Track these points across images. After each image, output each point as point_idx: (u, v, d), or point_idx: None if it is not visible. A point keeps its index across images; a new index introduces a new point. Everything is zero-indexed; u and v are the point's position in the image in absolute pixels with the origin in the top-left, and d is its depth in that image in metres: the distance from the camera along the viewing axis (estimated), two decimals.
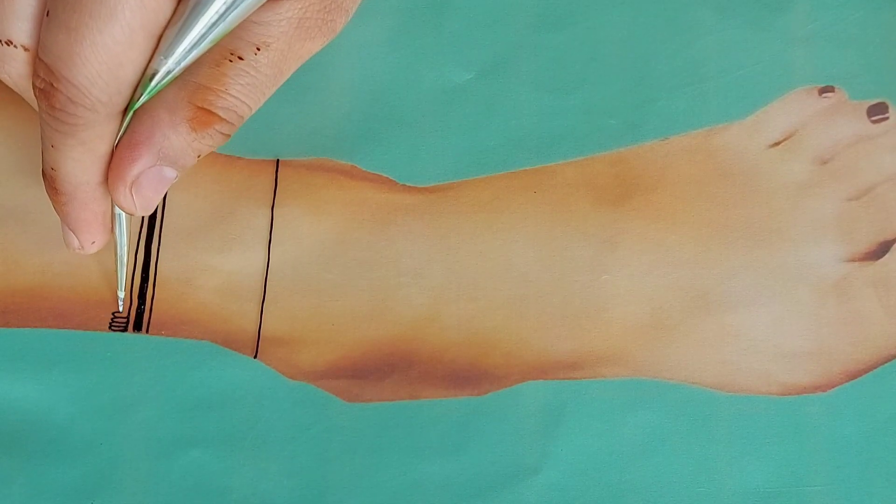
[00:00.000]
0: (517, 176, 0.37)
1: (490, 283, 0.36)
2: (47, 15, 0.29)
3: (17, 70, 0.31)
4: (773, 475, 0.34)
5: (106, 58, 0.29)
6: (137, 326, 0.35)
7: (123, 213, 0.33)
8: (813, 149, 0.37)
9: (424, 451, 0.35)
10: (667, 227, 0.37)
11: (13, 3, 0.30)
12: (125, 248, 0.35)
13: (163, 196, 0.32)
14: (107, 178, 0.32)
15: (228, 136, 0.32)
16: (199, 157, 0.31)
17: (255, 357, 0.35)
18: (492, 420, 0.35)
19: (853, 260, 0.36)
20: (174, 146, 0.31)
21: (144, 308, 0.36)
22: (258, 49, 0.31)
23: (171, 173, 0.31)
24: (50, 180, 0.32)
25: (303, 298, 0.36)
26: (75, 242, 0.34)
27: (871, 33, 0.38)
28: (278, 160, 0.37)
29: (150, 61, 0.30)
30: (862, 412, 0.35)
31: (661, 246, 0.36)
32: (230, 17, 0.30)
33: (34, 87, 0.30)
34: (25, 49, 0.31)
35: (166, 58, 0.30)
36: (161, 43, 0.30)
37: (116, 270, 0.35)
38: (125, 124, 0.31)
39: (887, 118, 0.37)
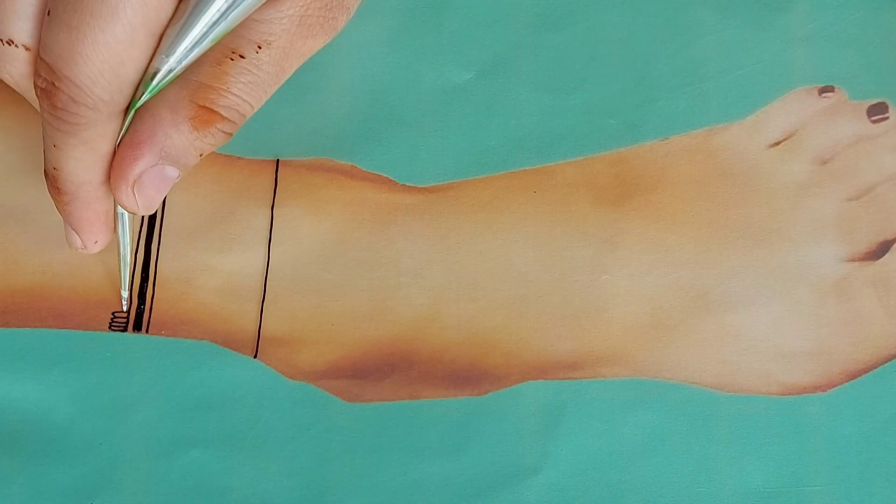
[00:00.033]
0: (517, 176, 0.37)
1: (490, 283, 0.36)
2: (48, 14, 0.29)
3: (18, 70, 0.31)
4: (773, 475, 0.34)
5: (107, 56, 0.29)
6: (137, 326, 0.35)
7: (126, 213, 0.33)
8: (813, 149, 0.37)
9: (424, 451, 0.35)
10: (667, 227, 0.37)
11: (14, 2, 0.30)
12: (128, 247, 0.35)
13: (165, 195, 0.32)
14: (109, 178, 0.32)
15: (230, 134, 0.32)
16: (201, 155, 0.31)
17: (255, 357, 0.35)
18: (492, 420, 0.35)
19: (853, 260, 0.36)
20: (176, 145, 0.31)
21: (144, 308, 0.36)
22: (260, 47, 0.31)
23: (173, 172, 0.31)
24: (52, 180, 0.32)
25: (303, 298, 0.36)
26: (78, 242, 0.34)
27: (871, 33, 0.38)
28: (278, 160, 0.37)
29: (151, 60, 0.30)
30: (862, 412, 0.35)
31: (661, 246, 0.36)
32: (231, 15, 0.30)
33: (36, 86, 0.30)
34: (27, 48, 0.31)
35: (168, 56, 0.30)
36: (162, 41, 0.30)
37: (119, 270, 0.35)
38: (127, 123, 0.31)
39: (887, 118, 0.37)
